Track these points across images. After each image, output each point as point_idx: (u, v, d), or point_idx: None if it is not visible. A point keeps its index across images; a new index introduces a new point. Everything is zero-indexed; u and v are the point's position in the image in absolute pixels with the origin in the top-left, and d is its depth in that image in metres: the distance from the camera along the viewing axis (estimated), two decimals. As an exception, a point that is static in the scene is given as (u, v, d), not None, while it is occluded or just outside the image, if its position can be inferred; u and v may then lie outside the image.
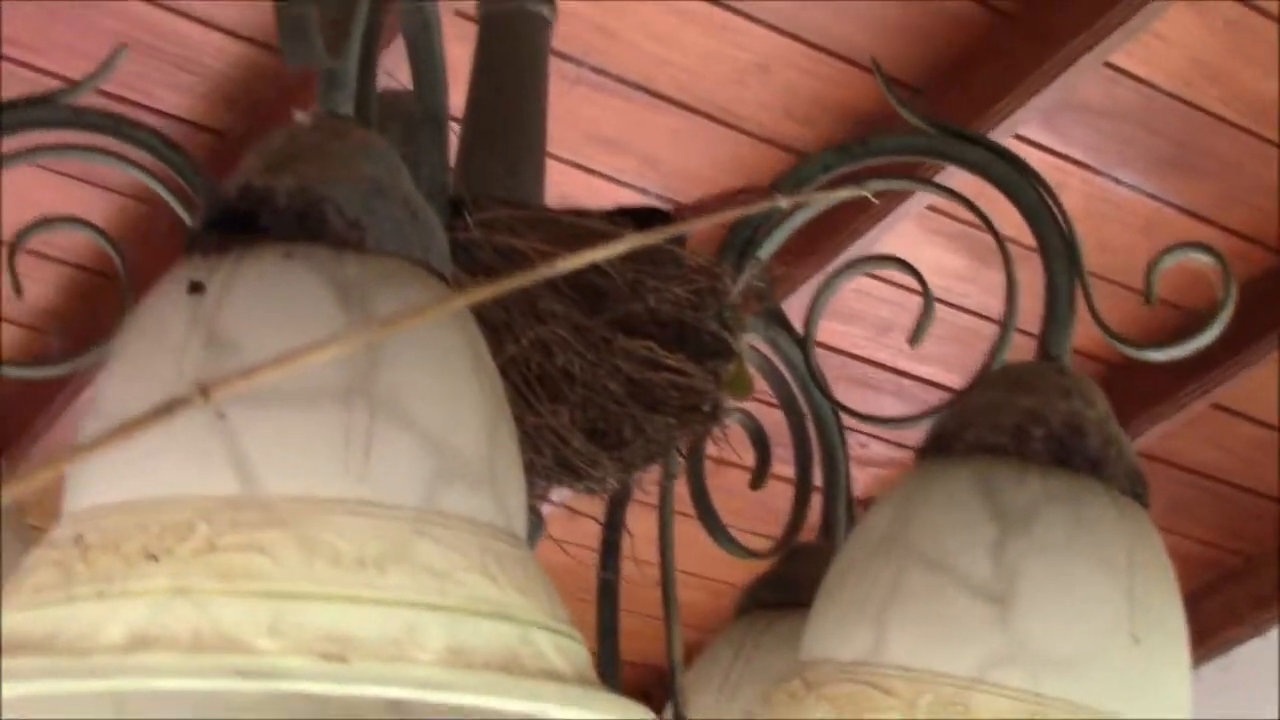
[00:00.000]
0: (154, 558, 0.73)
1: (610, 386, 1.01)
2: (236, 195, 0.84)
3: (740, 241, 1.16)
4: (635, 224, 1.06)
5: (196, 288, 0.81)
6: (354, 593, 0.73)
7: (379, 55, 0.93)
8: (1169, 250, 1.07)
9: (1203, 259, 1.07)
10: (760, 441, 1.36)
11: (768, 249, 1.17)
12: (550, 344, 1.01)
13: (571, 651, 0.79)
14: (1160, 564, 0.99)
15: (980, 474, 0.99)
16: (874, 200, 0.87)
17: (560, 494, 1.20)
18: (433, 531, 0.77)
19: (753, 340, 1.32)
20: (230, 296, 0.80)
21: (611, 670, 1.20)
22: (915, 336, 1.13)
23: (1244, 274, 2.32)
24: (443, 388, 0.81)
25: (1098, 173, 1.99)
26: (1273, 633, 2.91)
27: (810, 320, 1.12)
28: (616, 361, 1.00)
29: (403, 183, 0.86)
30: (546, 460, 1.05)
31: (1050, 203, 1.10)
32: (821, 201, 1.13)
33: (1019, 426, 1.01)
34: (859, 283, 2.20)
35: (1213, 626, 2.85)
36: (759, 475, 1.35)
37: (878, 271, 2.10)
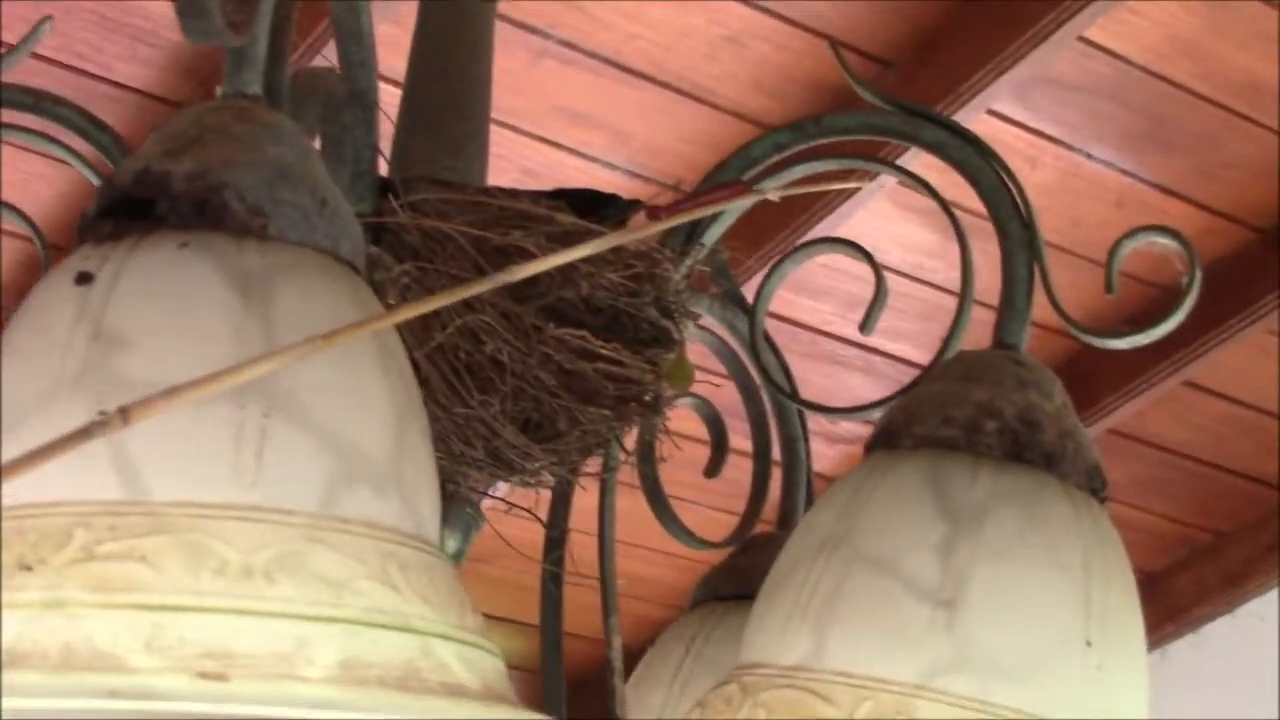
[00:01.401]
0: (28, 568, 0.69)
1: (542, 377, 0.96)
2: (132, 180, 0.79)
3: (684, 226, 1.12)
4: (573, 206, 1.01)
5: (84, 278, 0.76)
6: (239, 605, 0.69)
7: (293, 35, 0.88)
8: (1130, 234, 1.02)
9: (1166, 243, 1.02)
10: (716, 428, 1.31)
11: (715, 231, 1.12)
12: (478, 332, 0.96)
13: (480, 663, 0.75)
14: (1119, 565, 0.95)
15: (930, 470, 0.95)
16: (859, 187, 0.82)
17: (501, 489, 1.16)
18: (330, 538, 0.73)
19: (710, 324, 1.28)
20: (120, 288, 0.76)
21: (555, 670, 1.15)
22: (866, 323, 1.09)
23: (1217, 250, 2.27)
24: (345, 386, 0.76)
25: (1070, 148, 1.94)
26: (1242, 610, 2.88)
27: (756, 308, 1.08)
28: (548, 350, 0.96)
29: (313, 168, 0.82)
30: (478, 453, 1.01)
31: (1010, 186, 1.05)
32: (806, 191, 1.08)
33: (971, 419, 0.96)
34: (828, 259, 2.16)
35: (1183, 604, 2.83)
36: (715, 463, 1.31)
37: None
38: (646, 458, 1.22)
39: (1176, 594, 2.82)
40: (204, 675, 0.66)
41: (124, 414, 0.62)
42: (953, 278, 2.20)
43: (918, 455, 0.96)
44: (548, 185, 1.11)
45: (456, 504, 1.12)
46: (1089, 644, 0.91)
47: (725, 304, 1.25)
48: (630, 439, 1.10)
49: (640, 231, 0.69)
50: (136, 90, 1.92)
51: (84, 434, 0.62)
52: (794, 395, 1.29)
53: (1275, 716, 2.81)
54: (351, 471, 0.75)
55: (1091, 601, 0.92)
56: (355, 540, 0.73)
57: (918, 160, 1.96)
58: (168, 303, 0.75)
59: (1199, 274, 1.00)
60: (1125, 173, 2.00)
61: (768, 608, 0.95)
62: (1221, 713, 2.83)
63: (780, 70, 1.84)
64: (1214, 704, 2.83)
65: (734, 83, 1.88)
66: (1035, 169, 1.83)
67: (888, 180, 1.83)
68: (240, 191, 0.78)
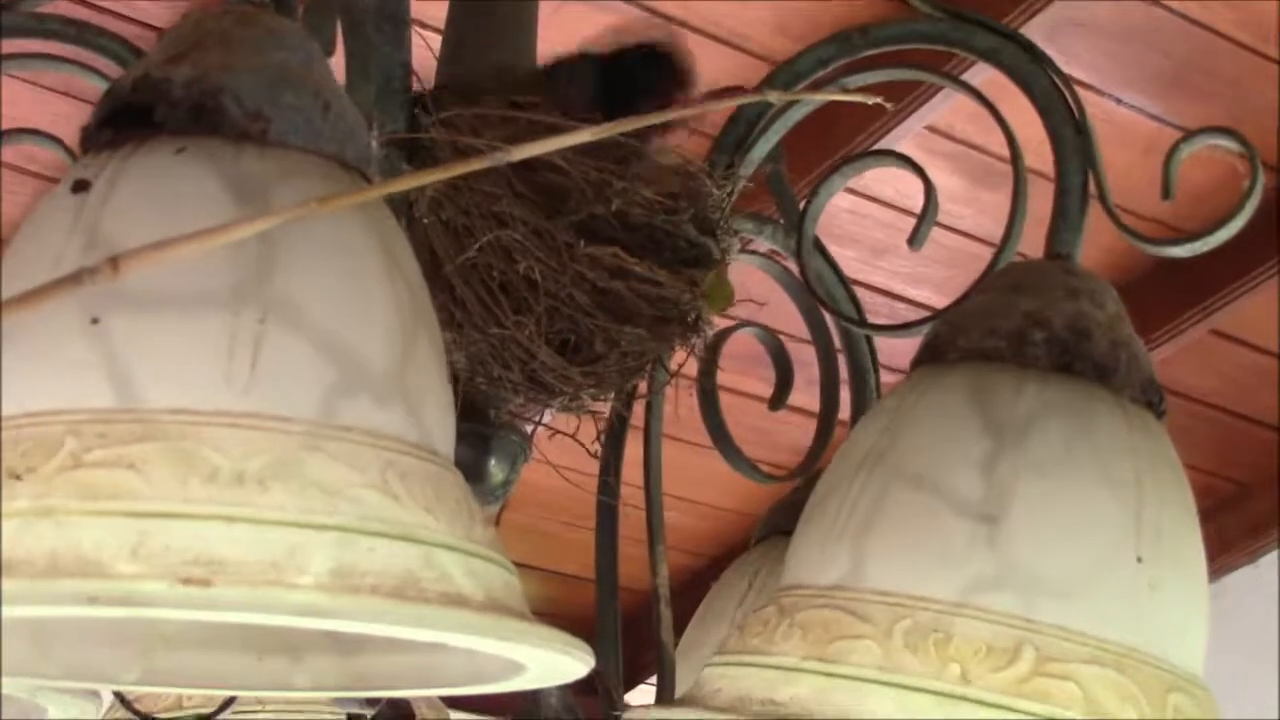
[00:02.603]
0: (18, 477, 0.68)
1: (575, 296, 0.94)
2: (131, 87, 0.78)
3: (732, 142, 1.09)
4: (633, 68, 0.97)
5: (81, 186, 0.75)
6: (229, 512, 0.67)
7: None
8: (1188, 137, 0.98)
9: (1228, 145, 0.97)
10: (780, 360, 1.28)
11: (761, 148, 1.09)
12: (511, 249, 0.93)
13: (486, 575, 0.72)
14: (1175, 480, 0.91)
15: (974, 383, 0.91)
16: (884, 105, 0.78)
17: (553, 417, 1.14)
18: (327, 446, 0.71)
19: (770, 247, 1.25)
20: (115, 195, 0.74)
21: (610, 595, 1.13)
22: (916, 237, 1.05)
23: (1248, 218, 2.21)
24: (347, 293, 0.74)
25: (1101, 93, 1.90)
26: (1265, 560, 2.83)
27: (804, 225, 1.04)
28: (581, 269, 0.93)
29: (317, 72, 0.80)
30: (515, 376, 0.99)
31: (1065, 92, 1.01)
32: (814, 99, 1.05)
33: (1018, 330, 0.92)
34: (854, 204, 2.12)
35: (1207, 554, 2.77)
36: (779, 395, 1.28)
37: (873, 193, 2.03)
38: (707, 388, 1.19)
39: None
40: (187, 581, 0.64)
41: (114, 264, 0.60)
42: (979, 224, 2.17)
43: (962, 368, 0.92)
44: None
45: (503, 433, 1.10)
46: (1140, 561, 0.87)
47: (789, 231, 1.22)
48: (676, 364, 1.07)
49: (635, 122, 0.66)
50: (156, 28, 1.91)
51: (73, 280, 0.60)
52: (861, 321, 1.26)
53: None
54: (352, 380, 0.73)
55: (1143, 517, 0.88)
56: (354, 449, 0.71)
57: (947, 105, 1.92)
58: (162, 208, 0.73)
59: (1261, 176, 0.96)
60: (1154, 118, 1.94)
61: (808, 528, 0.92)
62: (1242, 662, 2.81)
63: (808, 16, 1.80)
64: (1234, 653, 2.80)
65: (763, 28, 1.85)
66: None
67: (914, 125, 1.79)
68: (238, 95, 0.76)
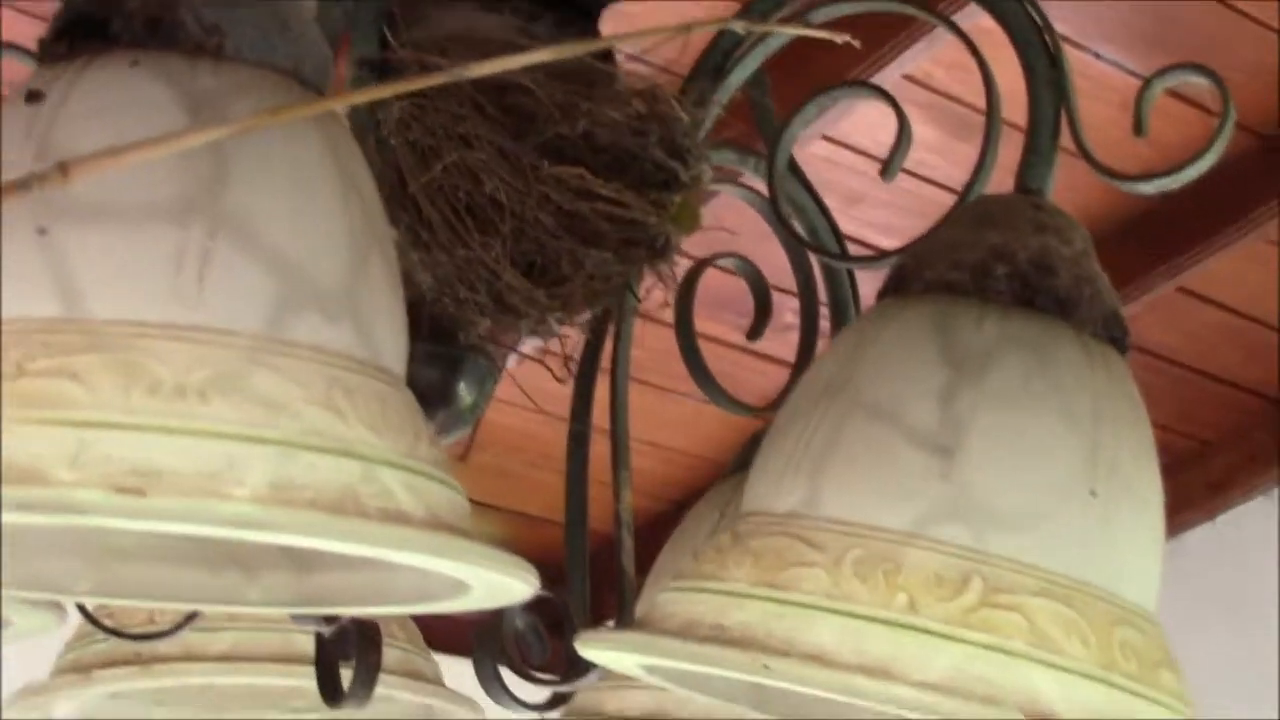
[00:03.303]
0: (-40, 384, 0.68)
1: (541, 218, 0.94)
2: (87, 0, 0.78)
3: (710, 69, 1.08)
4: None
5: (34, 97, 0.75)
6: (169, 423, 0.67)
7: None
8: (1161, 72, 0.97)
9: (1200, 81, 0.97)
10: (759, 288, 1.28)
11: (738, 76, 1.08)
12: (477, 170, 0.93)
13: (430, 493, 0.73)
14: (1134, 416, 0.91)
15: (935, 315, 0.91)
16: (852, 43, 0.78)
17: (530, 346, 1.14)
18: (272, 360, 0.71)
19: (748, 178, 1.24)
20: (68, 107, 0.74)
21: (579, 521, 1.13)
22: (889, 168, 1.04)
23: (1220, 155, 2.20)
24: (298, 209, 0.75)
25: (1079, 47, 1.88)
26: (1223, 518, 2.86)
27: (776, 155, 1.04)
28: (546, 190, 0.93)
29: (277, -12, 0.80)
30: (482, 297, 0.99)
31: (1040, 24, 1.01)
32: (780, 32, 1.04)
33: (982, 263, 0.92)
34: (830, 152, 2.10)
35: (1166, 511, 2.81)
36: (758, 324, 1.28)
37: (850, 141, 2.02)
38: (684, 316, 1.19)
39: None
40: (122, 490, 0.64)
41: (64, 169, 0.61)
42: (952, 175, 2.15)
43: (925, 300, 0.92)
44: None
45: (472, 356, 1.10)
46: (1094, 495, 0.87)
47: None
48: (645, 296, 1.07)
49: (597, 43, 0.66)
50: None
51: (22, 185, 0.60)
52: (838, 253, 1.26)
53: (1251, 620, 2.82)
54: (300, 295, 0.73)
55: (1099, 452, 0.88)
56: (299, 364, 0.72)
57: (926, 54, 1.90)
58: (114, 119, 0.73)
59: (1232, 113, 0.95)
60: (1132, 74, 1.93)
61: (767, 457, 0.92)
62: (1198, 617, 2.84)
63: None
64: (1191, 609, 2.84)
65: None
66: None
67: (892, 74, 1.78)
68: (194, 9, 0.76)
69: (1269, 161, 2.22)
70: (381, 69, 0.99)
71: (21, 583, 0.83)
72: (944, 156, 2.00)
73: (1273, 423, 2.76)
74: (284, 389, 0.70)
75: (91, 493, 0.64)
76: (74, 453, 0.66)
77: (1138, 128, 0.98)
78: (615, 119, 0.94)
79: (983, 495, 0.86)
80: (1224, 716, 2.75)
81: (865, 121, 1.95)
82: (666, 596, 0.90)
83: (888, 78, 1.83)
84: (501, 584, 0.76)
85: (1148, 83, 0.97)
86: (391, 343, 0.77)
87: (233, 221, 0.72)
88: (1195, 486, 2.83)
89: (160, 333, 0.70)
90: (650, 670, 0.94)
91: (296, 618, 0.93)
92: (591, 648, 0.90)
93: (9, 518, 0.64)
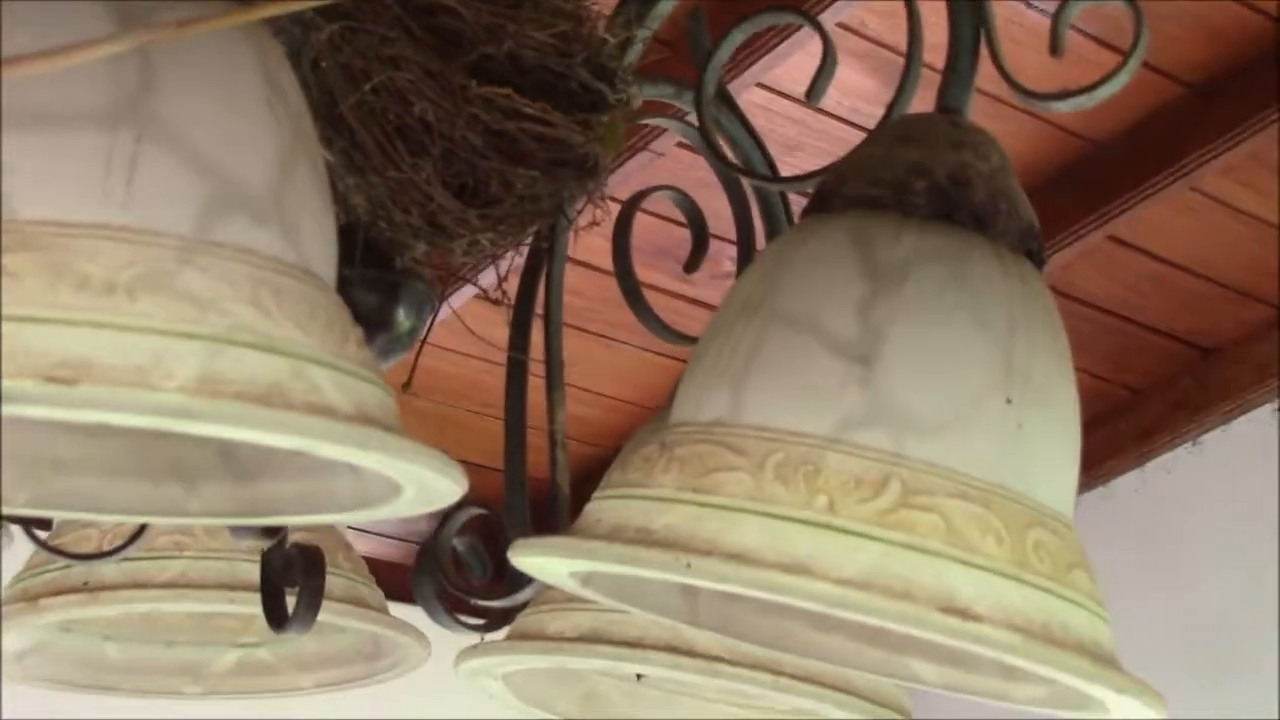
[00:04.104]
0: (-106, 282, 0.70)
1: (469, 138, 0.95)
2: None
3: (637, -2, 1.10)
4: None
5: (-37, 6, 0.76)
6: (98, 318, 0.69)
7: None
8: (1079, -6, 1.00)
9: (1114, 3, 0.99)
10: (695, 221, 1.30)
11: (666, 4, 1.10)
12: (406, 93, 0.95)
13: (359, 391, 0.75)
14: (1048, 326, 0.93)
15: (855, 229, 0.93)
16: None
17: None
18: (200, 260, 0.73)
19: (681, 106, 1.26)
20: (-4, 14, 0.76)
21: (518, 447, 1.15)
22: (814, 91, 1.07)
23: (1151, 105, 2.24)
24: (225, 115, 0.76)
25: None
26: (1152, 465, 2.92)
27: (704, 79, 1.06)
28: (475, 110, 0.95)
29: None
30: (415, 219, 1.01)
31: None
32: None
33: (900, 179, 0.94)
34: (767, 100, 2.12)
35: (1096, 457, 2.88)
36: (695, 258, 1.30)
37: (785, 89, 2.04)
38: (621, 240, 1.21)
39: (1090, 448, 2.83)
40: (51, 380, 0.66)
41: None
42: None
43: (844, 216, 0.95)
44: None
45: (410, 280, 1.12)
46: (1009, 401, 0.89)
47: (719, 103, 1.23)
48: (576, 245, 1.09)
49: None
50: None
51: None
52: (767, 175, 1.28)
53: (1181, 562, 2.87)
54: (227, 199, 0.75)
55: (1014, 360, 0.90)
56: (227, 265, 0.73)
57: (861, 4, 1.92)
58: (42, 26, 0.75)
59: (1146, 32, 0.98)
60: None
61: (693, 370, 0.95)
62: (1128, 561, 2.90)
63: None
64: (1121, 553, 2.90)
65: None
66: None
67: (826, 21, 1.80)
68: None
69: (1198, 112, 2.26)
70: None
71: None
72: (879, 105, 2.03)
73: (1201, 370, 2.82)
74: (212, 288, 0.72)
75: (23, 383, 0.66)
76: (5, 347, 0.67)
77: (1054, 48, 1.00)
78: (541, 40, 0.96)
79: (901, 401, 0.88)
80: (1154, 655, 2.81)
81: (802, 70, 1.97)
82: (594, 505, 0.92)
83: (826, 23, 1.85)
84: (432, 482, 0.78)
85: (1064, 4, 1.00)
86: (320, 249, 0.79)
87: (160, 125, 0.74)
88: (1127, 434, 2.88)
89: (89, 233, 0.72)
90: (584, 582, 0.96)
91: (236, 531, 0.95)
92: (521, 554, 0.92)
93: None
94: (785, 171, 2.17)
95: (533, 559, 0.92)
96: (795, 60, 1.91)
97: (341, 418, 0.72)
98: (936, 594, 0.84)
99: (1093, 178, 2.29)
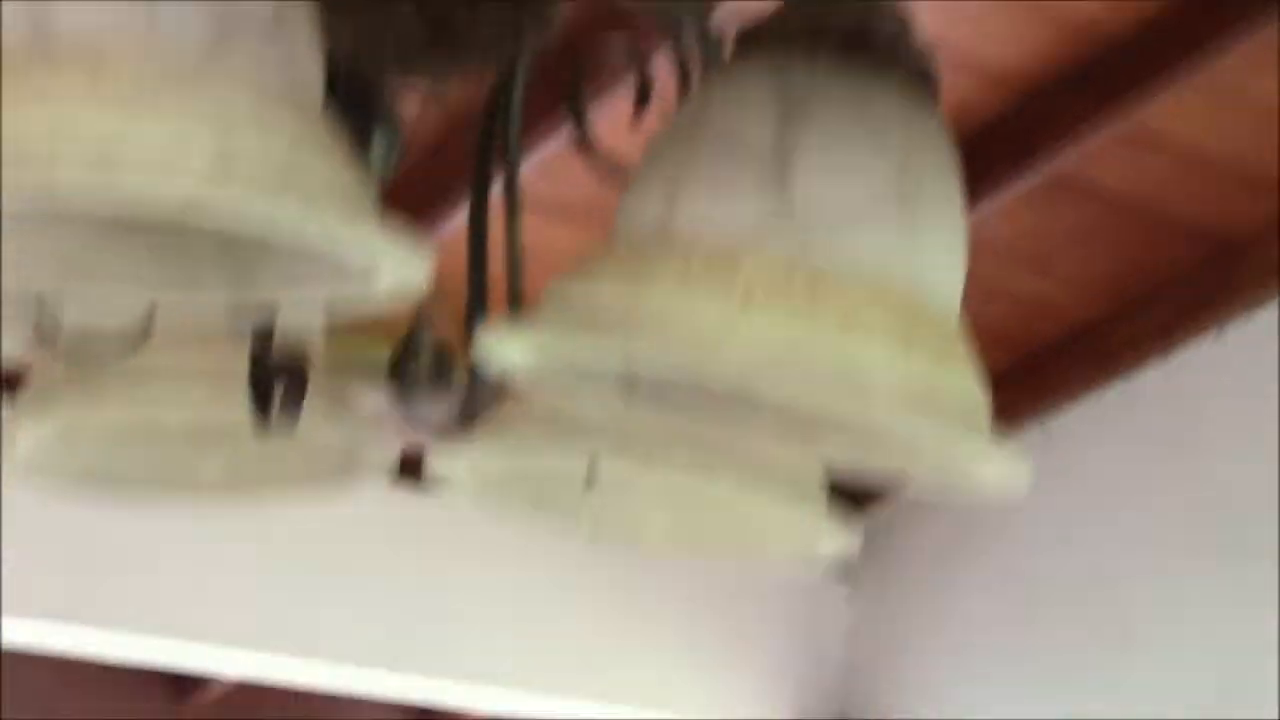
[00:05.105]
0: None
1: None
2: None
3: None
4: None
5: None
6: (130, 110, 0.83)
7: None
8: None
9: None
10: (641, 69, 1.43)
11: None
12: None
13: (350, 187, 0.89)
14: (935, 143, 1.08)
15: (773, 66, 1.08)
16: None
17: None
18: (216, 67, 0.87)
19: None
20: None
21: (479, 254, 1.28)
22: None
23: (1146, 13, 2.29)
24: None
25: None
26: (1175, 359, 2.90)
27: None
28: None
29: None
30: (386, 52, 1.13)
31: None
32: None
33: (813, 20, 1.09)
34: None
35: (1119, 352, 2.90)
36: (640, 102, 1.42)
37: None
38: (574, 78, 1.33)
39: (1113, 343, 2.91)
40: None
41: None
42: None
43: (765, 52, 1.09)
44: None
45: (379, 115, 1.25)
46: (902, 200, 1.05)
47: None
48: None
49: None
50: None
51: None
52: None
53: (1201, 455, 2.90)
54: (235, 26, 0.89)
55: (907, 169, 1.05)
56: (238, 78, 0.88)
57: None
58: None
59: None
60: None
61: (634, 186, 1.09)
62: (1153, 454, 2.93)
63: None
64: (1146, 446, 2.94)
65: None
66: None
67: None
68: None
69: (1210, 6, 2.28)
70: None
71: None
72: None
73: (1221, 263, 2.79)
74: (230, 91, 0.86)
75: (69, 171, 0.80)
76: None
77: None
78: None
79: (809, 207, 1.03)
80: (1181, 544, 2.85)
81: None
82: (543, 304, 1.07)
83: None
84: (405, 260, 0.92)
85: None
86: (314, 73, 0.93)
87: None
88: (1147, 328, 2.87)
89: (119, 41, 0.86)
90: (538, 375, 1.11)
91: (236, 320, 1.09)
92: (480, 343, 1.07)
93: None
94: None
95: (494, 347, 1.07)
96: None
97: (342, 195, 0.87)
98: (842, 370, 1.00)
99: (1106, 74, 2.29)
